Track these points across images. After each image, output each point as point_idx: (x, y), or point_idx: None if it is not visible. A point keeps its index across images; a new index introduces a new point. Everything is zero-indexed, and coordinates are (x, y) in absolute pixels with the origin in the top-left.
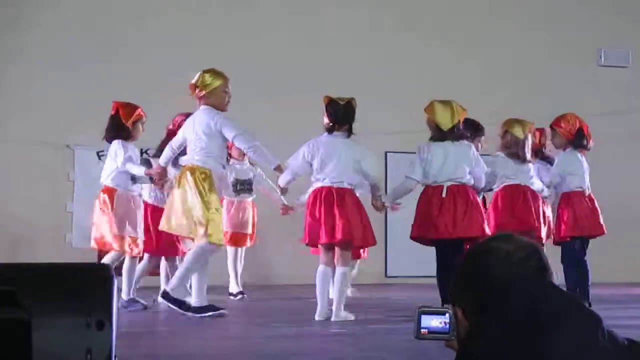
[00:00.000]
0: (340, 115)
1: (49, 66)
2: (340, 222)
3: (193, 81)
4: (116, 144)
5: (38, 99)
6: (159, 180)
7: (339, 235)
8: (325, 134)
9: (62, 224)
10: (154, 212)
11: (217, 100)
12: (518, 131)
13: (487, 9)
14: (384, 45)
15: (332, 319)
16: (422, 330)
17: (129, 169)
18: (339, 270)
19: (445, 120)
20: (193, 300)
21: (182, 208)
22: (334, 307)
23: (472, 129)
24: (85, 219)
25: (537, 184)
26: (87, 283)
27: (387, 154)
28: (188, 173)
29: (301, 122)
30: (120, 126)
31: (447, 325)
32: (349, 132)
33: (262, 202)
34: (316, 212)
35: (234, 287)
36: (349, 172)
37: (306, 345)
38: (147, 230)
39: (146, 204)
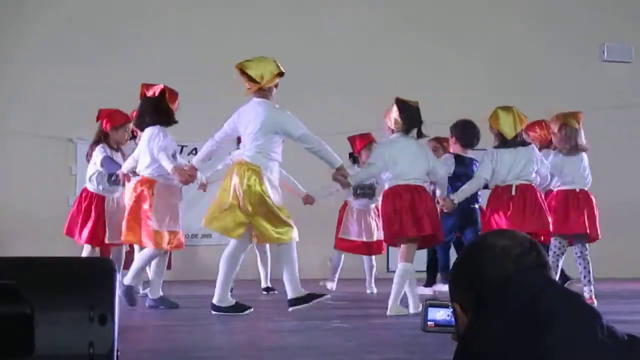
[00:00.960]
0: (413, 117)
1: (51, 61)
2: (426, 217)
3: (252, 74)
4: (156, 130)
5: (40, 93)
6: (186, 180)
7: (428, 229)
8: (397, 134)
9: (65, 218)
10: None
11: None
12: (573, 122)
13: (488, 7)
14: (384, 45)
15: (388, 313)
16: (428, 322)
17: (160, 159)
18: (403, 265)
19: (509, 129)
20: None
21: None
22: (389, 301)
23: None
24: None
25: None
26: (90, 277)
27: None
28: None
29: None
30: (164, 110)
31: (454, 319)
32: (419, 134)
33: None
34: (398, 208)
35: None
36: (423, 171)
37: (307, 339)
38: None
39: None
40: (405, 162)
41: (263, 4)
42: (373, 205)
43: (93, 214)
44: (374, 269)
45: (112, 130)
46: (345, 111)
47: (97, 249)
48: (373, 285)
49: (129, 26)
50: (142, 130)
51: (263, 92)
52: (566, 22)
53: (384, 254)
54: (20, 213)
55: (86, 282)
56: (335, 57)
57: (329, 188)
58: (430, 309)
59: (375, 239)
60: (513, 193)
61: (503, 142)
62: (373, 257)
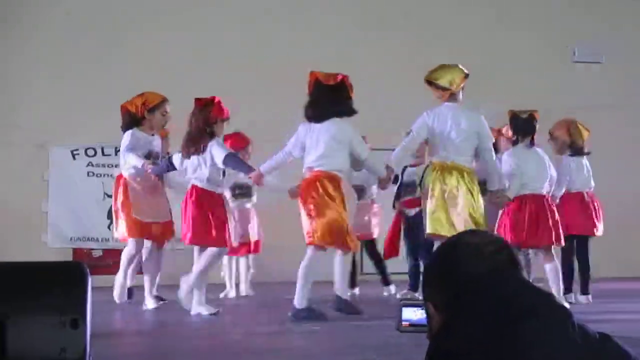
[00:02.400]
0: (522, 127)
1: (23, 67)
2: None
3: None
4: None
5: (12, 100)
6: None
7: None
8: (522, 145)
9: (37, 224)
10: None
11: None
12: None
13: (457, 6)
14: (358, 45)
15: None
16: (403, 322)
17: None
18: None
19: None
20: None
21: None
22: None
23: None
24: (60, 219)
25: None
26: (62, 282)
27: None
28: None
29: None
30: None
31: (427, 318)
32: (532, 142)
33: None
34: (527, 216)
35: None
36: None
37: (281, 342)
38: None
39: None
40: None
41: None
42: (249, 205)
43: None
44: (251, 270)
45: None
46: None
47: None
48: (249, 287)
49: (102, 36)
50: (319, 121)
51: (454, 96)
52: (537, 23)
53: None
54: None
55: (58, 286)
56: (313, 57)
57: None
58: (405, 308)
59: (253, 239)
60: (587, 199)
61: (570, 151)
62: (250, 257)
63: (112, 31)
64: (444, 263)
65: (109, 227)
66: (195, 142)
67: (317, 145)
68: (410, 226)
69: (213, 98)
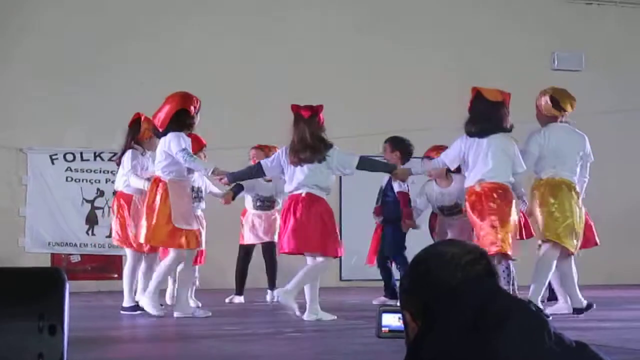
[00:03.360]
0: None
1: (2, 72)
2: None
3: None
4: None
5: None
6: None
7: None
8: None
9: (15, 228)
10: None
11: None
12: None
13: (439, 13)
14: (345, 47)
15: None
16: (383, 328)
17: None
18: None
19: None
20: None
21: None
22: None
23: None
24: (38, 223)
25: None
26: (39, 287)
27: None
28: None
29: (266, 125)
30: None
31: (404, 327)
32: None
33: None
34: None
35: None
36: None
37: (262, 347)
38: None
39: None
40: None
41: (228, 5)
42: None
43: None
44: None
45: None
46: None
47: None
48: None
49: (83, 42)
50: (483, 136)
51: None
52: (516, 31)
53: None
54: None
55: (36, 292)
56: (298, 60)
57: None
58: (384, 314)
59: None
60: None
61: None
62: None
63: (94, 38)
64: (420, 272)
65: (87, 232)
66: (316, 151)
67: (485, 158)
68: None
69: (317, 107)
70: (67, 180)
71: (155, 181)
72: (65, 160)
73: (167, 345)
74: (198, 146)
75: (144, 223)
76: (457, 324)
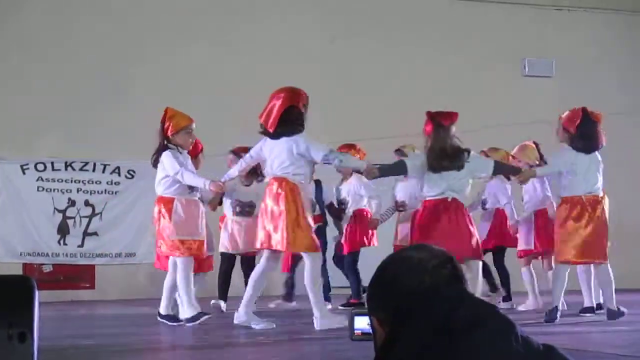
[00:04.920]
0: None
1: None
2: None
3: None
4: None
5: None
6: None
7: None
8: None
9: None
10: None
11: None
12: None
13: (412, 17)
14: (318, 54)
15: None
16: (356, 331)
17: None
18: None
19: None
20: None
21: None
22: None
23: None
24: (10, 233)
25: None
26: (9, 295)
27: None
28: None
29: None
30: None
31: (372, 333)
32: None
33: None
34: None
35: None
36: None
37: (231, 355)
38: None
39: None
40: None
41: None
42: None
43: None
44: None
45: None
46: None
47: None
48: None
49: (52, 49)
50: (589, 152)
51: None
52: (487, 38)
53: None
54: None
55: (5, 300)
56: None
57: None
58: (357, 317)
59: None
60: None
61: None
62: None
63: (62, 46)
64: (387, 277)
65: (59, 242)
66: (454, 158)
67: (590, 173)
68: None
69: (454, 114)
70: (38, 190)
71: (279, 182)
72: (37, 170)
73: (137, 354)
74: (195, 151)
75: (281, 226)
76: (424, 329)
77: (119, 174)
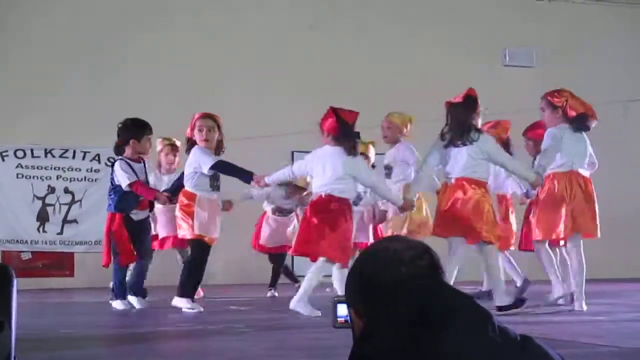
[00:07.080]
0: None
1: None
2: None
3: None
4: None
5: None
6: None
7: None
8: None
9: None
10: None
11: None
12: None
13: (392, 6)
14: (290, 44)
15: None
16: (338, 319)
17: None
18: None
19: None
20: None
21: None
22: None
23: None
24: None
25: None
26: None
27: (294, 153)
28: None
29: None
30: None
31: (350, 324)
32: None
33: None
34: None
35: None
36: None
37: (211, 344)
38: None
39: None
40: None
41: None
42: None
43: None
44: None
45: None
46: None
47: None
48: None
49: (32, 35)
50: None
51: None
52: (468, 27)
53: None
54: None
55: None
56: (240, 57)
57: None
58: (339, 305)
59: None
60: None
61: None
62: None
63: (43, 31)
64: (363, 269)
65: (38, 230)
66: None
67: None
68: None
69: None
70: (17, 177)
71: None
72: (16, 156)
73: (117, 343)
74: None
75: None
76: (401, 319)
77: (99, 162)
